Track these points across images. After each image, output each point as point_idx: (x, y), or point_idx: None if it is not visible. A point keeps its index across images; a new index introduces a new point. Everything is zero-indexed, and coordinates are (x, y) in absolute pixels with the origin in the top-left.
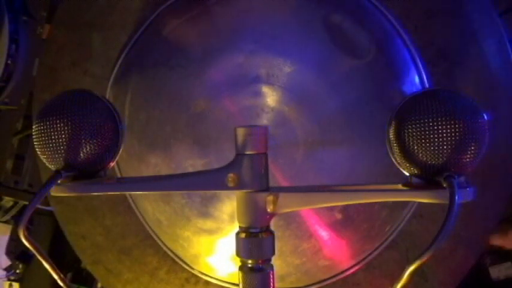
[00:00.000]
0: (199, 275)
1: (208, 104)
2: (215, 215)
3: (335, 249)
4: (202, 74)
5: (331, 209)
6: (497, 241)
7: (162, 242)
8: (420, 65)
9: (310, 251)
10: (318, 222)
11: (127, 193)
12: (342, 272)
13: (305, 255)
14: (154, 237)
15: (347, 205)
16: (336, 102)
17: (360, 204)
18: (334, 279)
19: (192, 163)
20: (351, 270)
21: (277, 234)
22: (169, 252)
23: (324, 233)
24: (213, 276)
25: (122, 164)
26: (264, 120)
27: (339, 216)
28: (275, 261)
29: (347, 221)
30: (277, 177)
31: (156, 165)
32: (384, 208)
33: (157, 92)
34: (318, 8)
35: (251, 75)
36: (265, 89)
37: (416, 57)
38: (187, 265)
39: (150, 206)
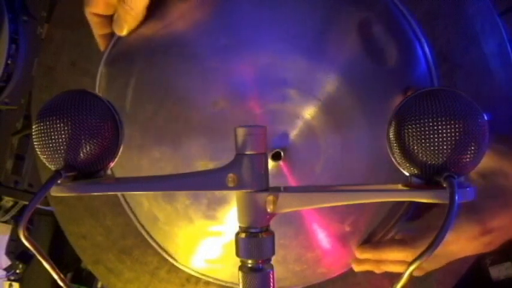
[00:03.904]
0: (200, 276)
1: (229, 103)
2: (222, 218)
3: (336, 259)
4: (222, 68)
5: (342, 221)
6: (366, 254)
7: (156, 242)
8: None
9: (313, 259)
10: (328, 234)
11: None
12: (342, 273)
13: (306, 263)
14: (148, 238)
15: (357, 219)
16: (361, 113)
17: (368, 214)
18: (333, 280)
19: (205, 164)
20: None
21: (284, 243)
22: (166, 255)
23: (329, 245)
24: (212, 276)
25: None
26: (289, 127)
27: (348, 229)
28: (277, 267)
29: (355, 233)
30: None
31: (161, 160)
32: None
33: (167, 82)
34: (350, 11)
35: (278, 78)
36: (293, 95)
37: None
38: (186, 267)
39: (147, 201)
